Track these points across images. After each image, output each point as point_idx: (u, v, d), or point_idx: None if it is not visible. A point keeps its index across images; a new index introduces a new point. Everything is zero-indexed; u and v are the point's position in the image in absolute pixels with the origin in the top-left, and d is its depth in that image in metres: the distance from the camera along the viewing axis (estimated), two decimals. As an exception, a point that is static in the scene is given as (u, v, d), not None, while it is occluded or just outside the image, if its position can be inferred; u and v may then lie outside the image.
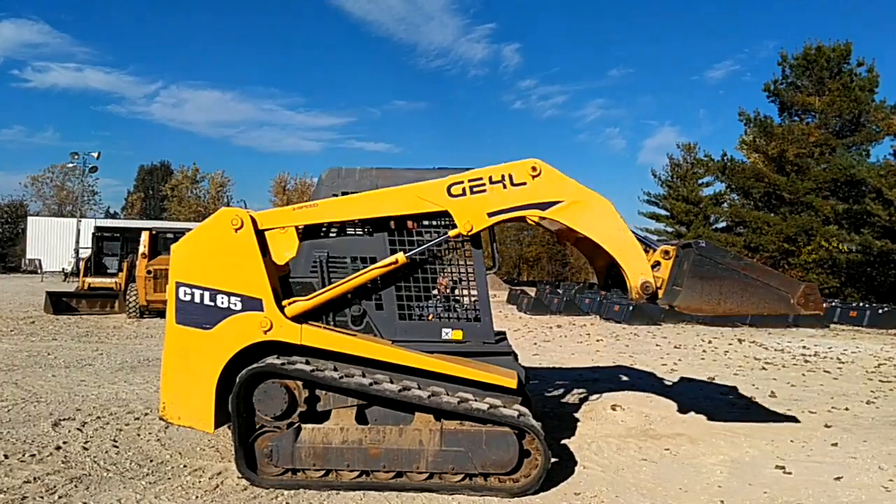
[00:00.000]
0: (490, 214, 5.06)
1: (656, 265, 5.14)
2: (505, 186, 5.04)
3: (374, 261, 5.19)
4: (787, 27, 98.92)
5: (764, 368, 11.67)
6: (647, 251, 5.18)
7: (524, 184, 5.03)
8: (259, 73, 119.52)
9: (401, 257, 5.08)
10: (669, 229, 50.29)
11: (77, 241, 46.91)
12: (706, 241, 5.19)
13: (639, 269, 5.05)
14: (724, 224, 46.12)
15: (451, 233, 5.12)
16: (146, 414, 6.99)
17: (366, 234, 5.30)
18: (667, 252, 5.17)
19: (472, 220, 5.05)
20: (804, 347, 14.99)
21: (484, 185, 5.05)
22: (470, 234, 5.10)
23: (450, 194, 5.06)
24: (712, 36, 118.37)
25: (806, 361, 12.76)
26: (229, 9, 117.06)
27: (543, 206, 5.04)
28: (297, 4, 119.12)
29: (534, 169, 5.04)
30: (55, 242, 53.12)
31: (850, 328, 20.30)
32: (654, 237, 54.36)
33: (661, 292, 5.09)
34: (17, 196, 66.63)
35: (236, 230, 5.00)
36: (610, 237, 5.07)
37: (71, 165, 58.29)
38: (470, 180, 5.06)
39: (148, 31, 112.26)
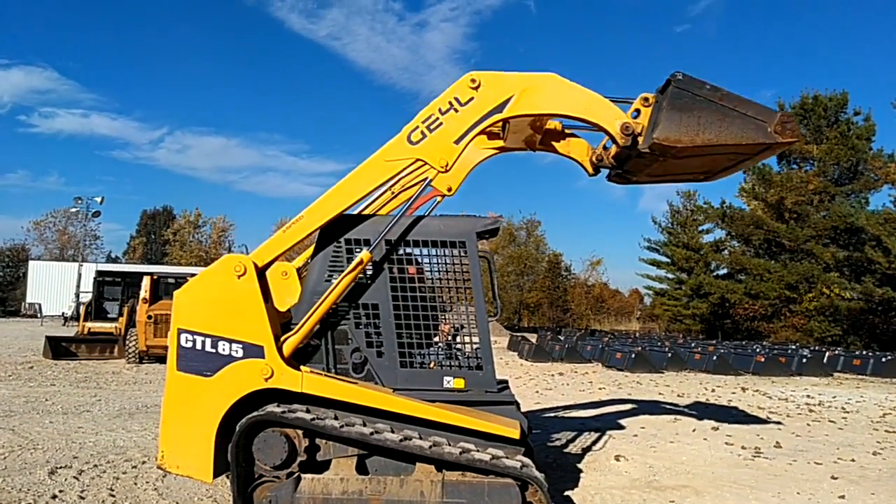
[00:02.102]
0: (456, 142, 5.08)
1: (636, 114, 5.14)
2: (456, 110, 5.08)
3: (375, 306, 5.19)
4: (785, 76, 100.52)
5: (768, 418, 11.54)
6: (625, 110, 5.20)
7: (472, 99, 5.08)
8: (263, 120, 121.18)
9: (364, 255, 4.99)
10: (670, 275, 50.37)
11: (78, 286, 46.94)
12: (683, 74, 5.07)
13: (612, 116, 5.09)
14: (725, 271, 46.24)
15: (430, 174, 5.13)
16: (144, 462, 6.90)
17: (367, 279, 5.28)
18: (646, 99, 5.15)
19: (443, 154, 5.06)
20: (808, 396, 14.85)
21: (437, 119, 5.08)
22: (447, 169, 5.11)
23: (412, 143, 5.08)
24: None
25: (811, 411, 12.62)
26: (234, 58, 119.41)
27: (499, 108, 5.08)
28: (301, 53, 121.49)
29: (472, 81, 5.09)
30: (56, 286, 53.15)
31: (853, 377, 20.13)
32: (656, 284, 53.89)
33: (641, 139, 5.08)
34: (19, 240, 66.97)
35: (239, 277, 5.00)
36: (572, 103, 5.12)
37: (74, 210, 58.74)
38: (423, 121, 5.10)
39: (154, 79, 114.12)
